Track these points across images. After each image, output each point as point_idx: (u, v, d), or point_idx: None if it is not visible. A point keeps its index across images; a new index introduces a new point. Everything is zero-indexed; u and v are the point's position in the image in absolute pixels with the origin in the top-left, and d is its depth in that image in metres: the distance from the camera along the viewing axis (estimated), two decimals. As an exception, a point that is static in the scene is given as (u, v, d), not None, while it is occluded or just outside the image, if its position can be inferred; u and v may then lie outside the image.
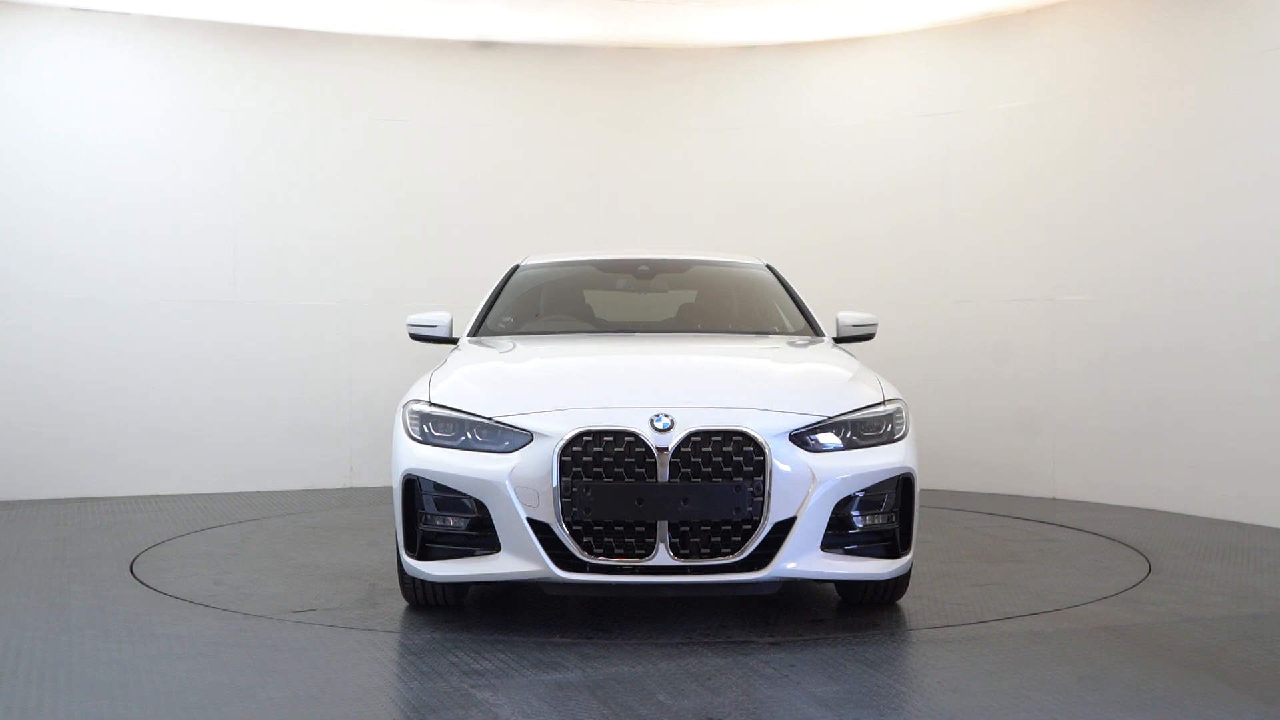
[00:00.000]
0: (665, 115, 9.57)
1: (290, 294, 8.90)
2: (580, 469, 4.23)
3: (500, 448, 4.36)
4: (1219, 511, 7.36)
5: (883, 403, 4.63)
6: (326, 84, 9.04)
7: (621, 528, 4.23)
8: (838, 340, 5.70)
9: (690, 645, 4.34)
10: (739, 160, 9.51)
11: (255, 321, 8.78)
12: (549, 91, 9.47)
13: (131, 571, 5.71)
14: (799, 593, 5.27)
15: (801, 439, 4.38)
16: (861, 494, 4.43)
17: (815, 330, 5.72)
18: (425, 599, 4.80)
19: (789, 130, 9.43)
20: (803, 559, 4.32)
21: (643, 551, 4.23)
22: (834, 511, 4.35)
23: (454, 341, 5.72)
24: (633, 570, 4.24)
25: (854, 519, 4.44)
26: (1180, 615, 4.86)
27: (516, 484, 4.28)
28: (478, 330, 5.80)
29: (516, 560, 4.30)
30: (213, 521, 7.27)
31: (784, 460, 4.30)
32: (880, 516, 4.50)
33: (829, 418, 4.45)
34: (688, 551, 4.24)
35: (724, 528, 4.25)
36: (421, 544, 4.48)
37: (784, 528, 4.29)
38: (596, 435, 4.25)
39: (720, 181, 9.54)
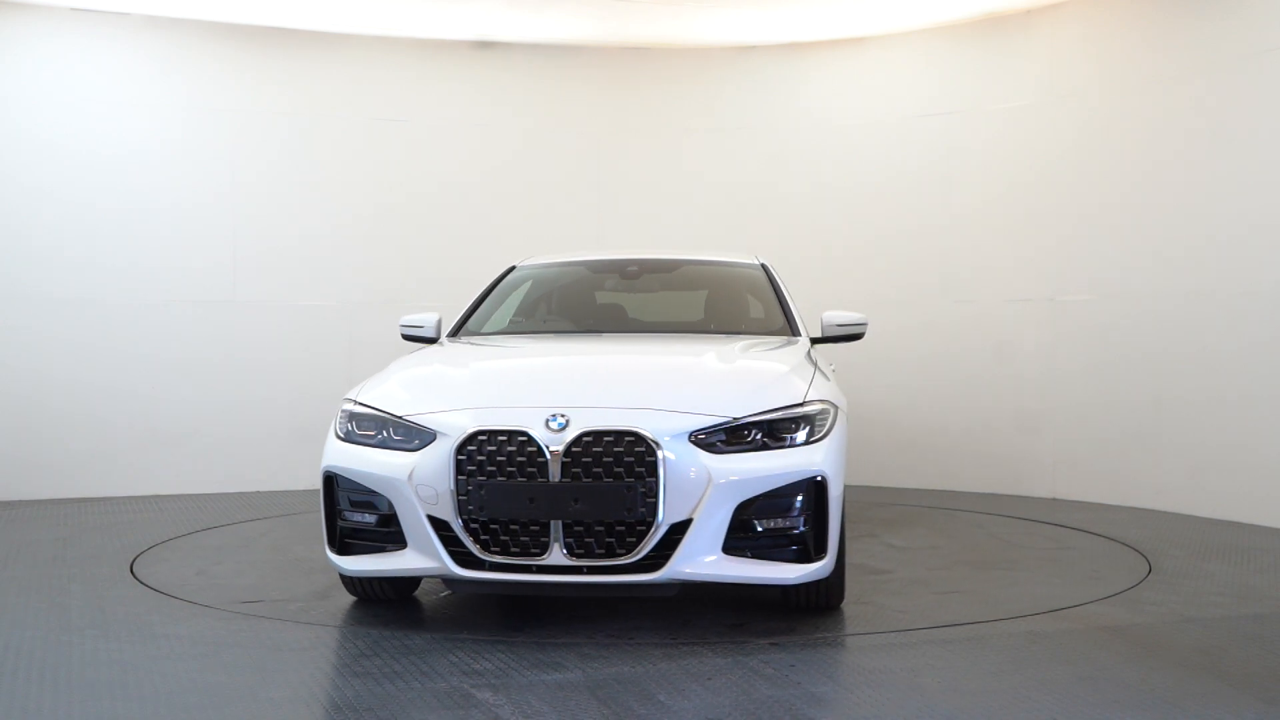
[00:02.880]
0: (665, 115, 9.57)
1: (290, 294, 8.90)
2: (475, 468, 4.28)
3: (409, 446, 4.44)
4: (1219, 511, 7.36)
5: (802, 404, 4.51)
6: (326, 84, 9.04)
7: (517, 526, 4.26)
8: (821, 340, 5.65)
9: (690, 645, 4.34)
10: (739, 160, 9.51)
11: (255, 321, 8.78)
12: (549, 91, 9.47)
13: (131, 571, 5.71)
14: (799, 593, 5.27)
15: (703, 440, 4.32)
16: (765, 497, 4.32)
17: (794, 330, 5.64)
18: (366, 593, 4.94)
19: (789, 130, 9.43)
20: (702, 561, 4.26)
21: (538, 551, 4.25)
22: (736, 514, 4.28)
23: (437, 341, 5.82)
24: (527, 569, 4.27)
25: (756, 521, 4.34)
26: (1180, 615, 4.86)
27: (418, 482, 4.35)
28: (458, 331, 5.93)
29: (420, 557, 4.38)
30: (213, 521, 7.27)
31: (679, 461, 4.25)
32: (788, 520, 4.36)
33: (734, 419, 4.38)
34: (582, 551, 4.24)
35: (618, 528, 4.23)
36: (340, 539, 4.60)
37: (681, 529, 4.24)
38: (491, 434, 4.29)
39: (720, 181, 9.53)
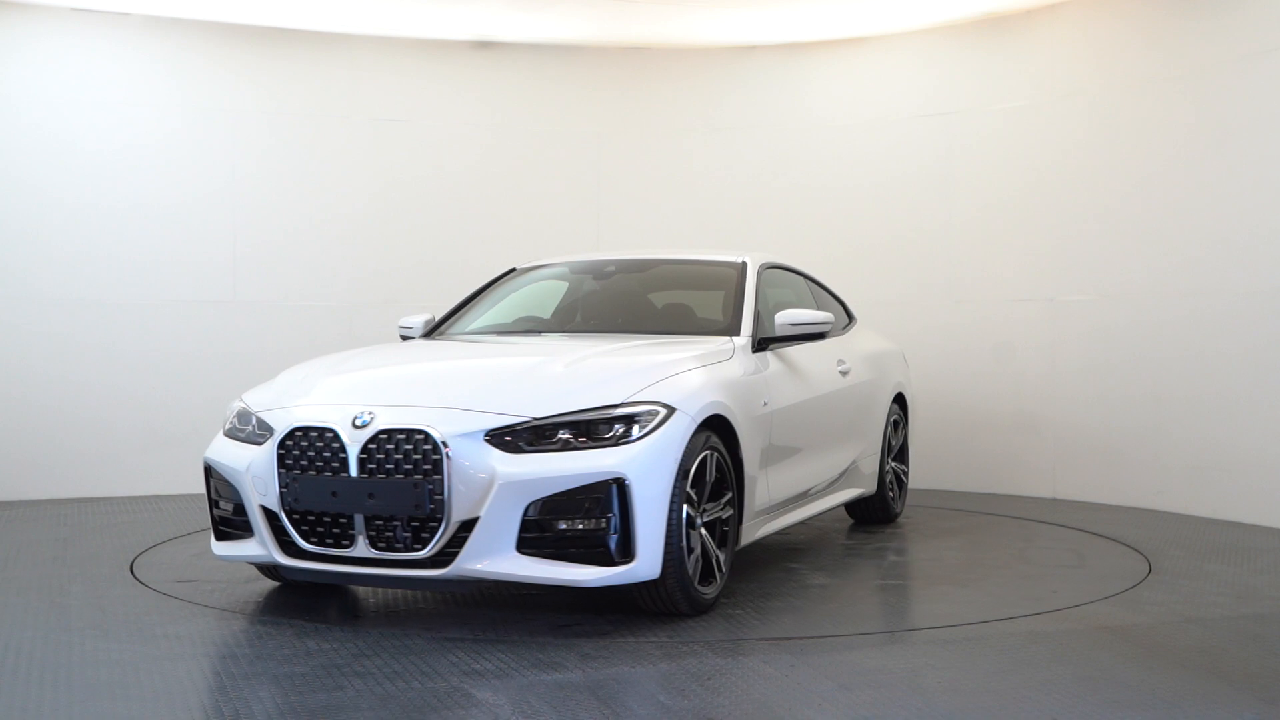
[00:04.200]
0: (665, 115, 9.57)
1: (290, 294, 8.90)
2: (291, 462, 4.55)
3: (256, 440, 4.76)
4: (1219, 511, 7.36)
5: (618, 405, 4.50)
6: (326, 84, 9.04)
7: (329, 519, 4.49)
8: (776, 340, 5.59)
9: (690, 645, 4.34)
10: (739, 160, 9.51)
11: (255, 321, 8.78)
12: (549, 91, 9.47)
13: (131, 571, 5.71)
14: (798, 593, 5.28)
15: (499, 439, 4.39)
16: (560, 497, 4.33)
17: (736, 330, 5.55)
18: (279, 578, 5.17)
19: (789, 131, 9.43)
20: (493, 559, 4.34)
21: (347, 543, 4.47)
22: (529, 513, 4.32)
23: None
24: (339, 560, 4.50)
25: (555, 522, 4.35)
26: (1180, 615, 4.86)
27: (253, 474, 4.66)
28: (431, 331, 6.15)
29: (258, 545, 4.70)
30: (213, 521, 7.26)
31: (468, 460, 4.34)
32: (586, 521, 4.35)
33: (534, 419, 4.43)
34: (383, 545, 4.42)
35: (413, 524, 4.38)
36: (215, 525, 4.97)
37: (469, 527, 4.33)
38: (305, 431, 4.55)
39: (720, 182, 9.53)
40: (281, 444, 4.58)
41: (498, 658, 4.16)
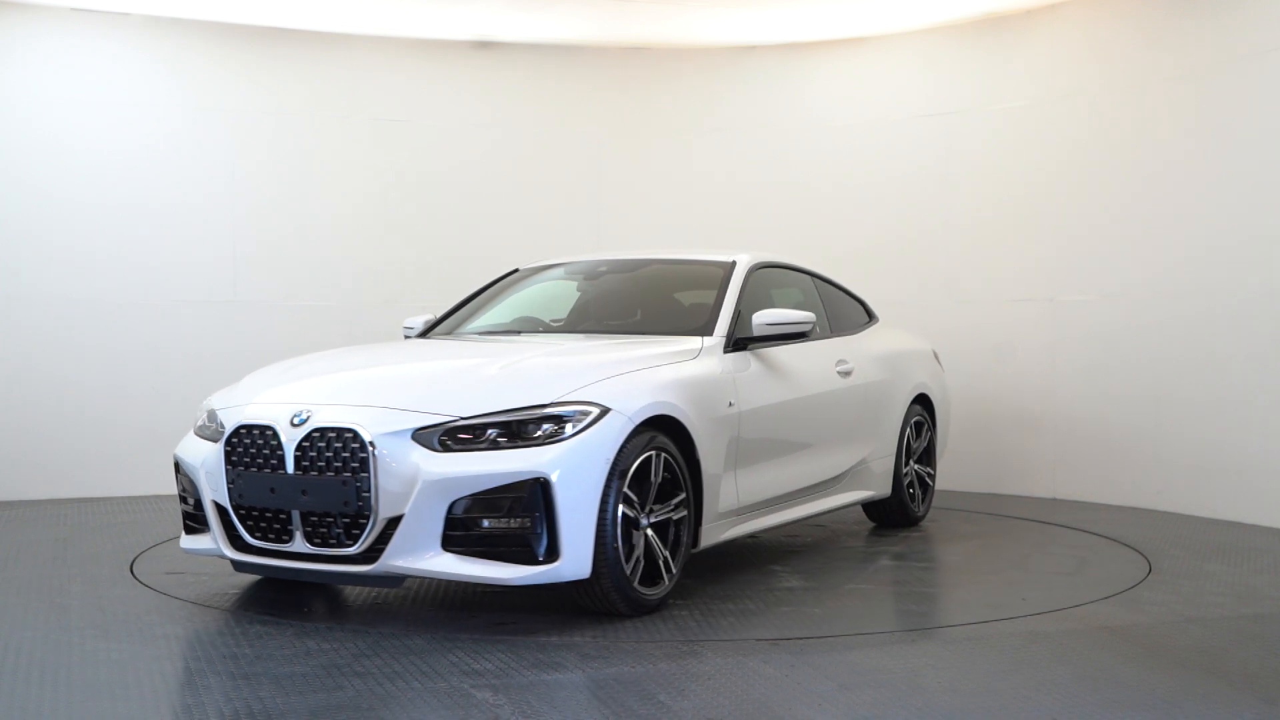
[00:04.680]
0: (665, 115, 9.57)
1: (290, 294, 8.90)
2: (237, 458, 4.70)
3: (216, 438, 4.89)
4: (1219, 511, 7.36)
5: (547, 405, 4.53)
6: (326, 84, 9.04)
7: (271, 514, 4.62)
8: (755, 341, 5.56)
9: (690, 645, 4.35)
10: (739, 160, 9.51)
11: (255, 321, 8.78)
12: (549, 91, 9.47)
13: (131, 571, 5.71)
14: (798, 593, 5.27)
15: (427, 438, 4.45)
16: (484, 495, 4.37)
17: (710, 331, 5.50)
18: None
19: (789, 130, 9.43)
20: (418, 556, 4.41)
21: (286, 538, 4.61)
22: (452, 511, 4.38)
23: None
24: (279, 555, 4.65)
25: (479, 520, 4.39)
26: (1180, 615, 4.86)
27: (207, 470, 4.83)
28: (426, 332, 6.25)
29: (212, 538, 4.86)
30: (213, 521, 7.26)
31: (394, 458, 4.42)
32: (507, 520, 4.38)
33: (463, 418, 4.48)
34: (319, 541, 4.55)
35: (344, 520, 4.48)
36: (184, 519, 5.13)
37: (398, 524, 4.42)
38: (249, 429, 4.69)
39: (721, 182, 9.53)
40: (228, 441, 4.74)
41: (498, 658, 4.16)
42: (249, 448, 4.67)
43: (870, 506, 6.94)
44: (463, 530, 4.40)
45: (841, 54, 9.28)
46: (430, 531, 4.39)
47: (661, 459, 4.75)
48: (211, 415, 5.02)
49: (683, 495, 4.87)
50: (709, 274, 5.96)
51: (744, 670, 4.01)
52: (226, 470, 4.71)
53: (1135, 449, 7.90)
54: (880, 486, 6.72)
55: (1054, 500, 8.26)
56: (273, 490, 4.58)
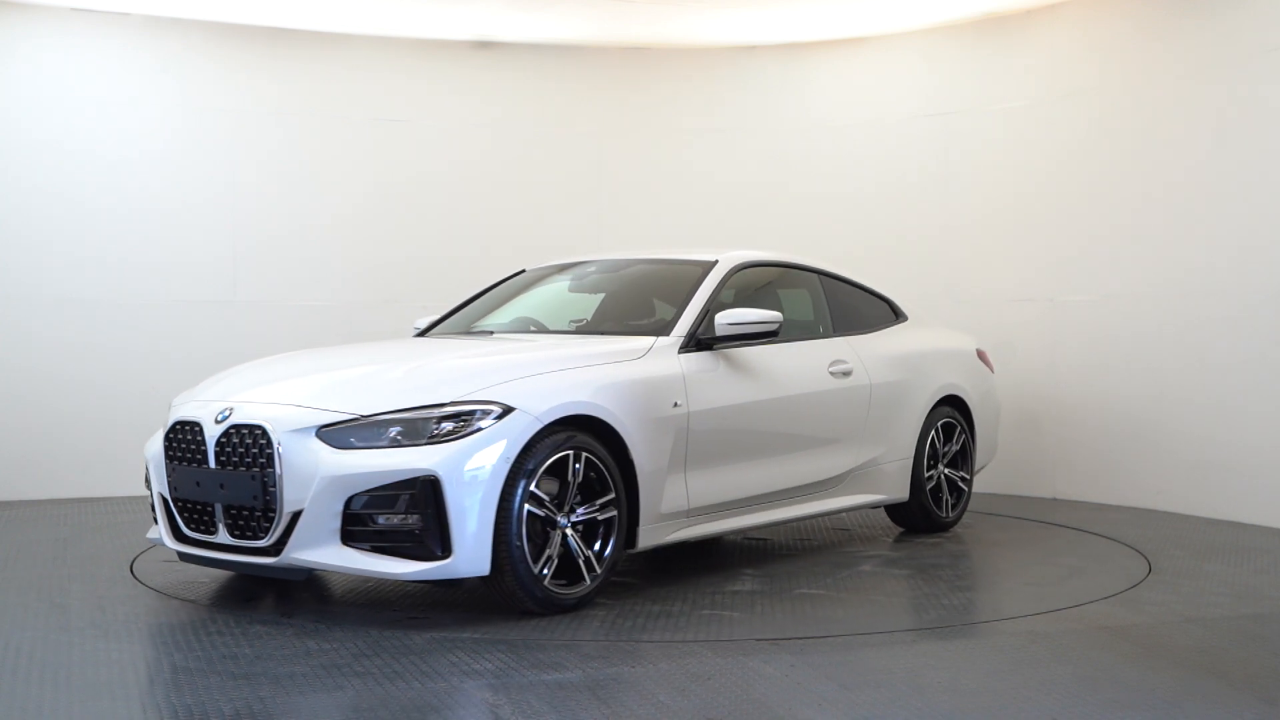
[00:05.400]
0: (665, 115, 9.57)
1: (290, 294, 8.90)
2: (174, 453, 4.95)
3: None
4: (1219, 511, 7.36)
5: (449, 404, 4.61)
6: (326, 84, 9.04)
7: (199, 506, 4.84)
8: (719, 341, 5.50)
9: (690, 645, 4.35)
10: (739, 160, 9.51)
11: (255, 321, 8.78)
12: (549, 91, 9.47)
13: (131, 571, 5.72)
14: (797, 593, 5.28)
15: (330, 435, 4.58)
16: (377, 492, 4.48)
17: (667, 331, 5.48)
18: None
19: (789, 131, 9.43)
20: (319, 550, 4.54)
21: (213, 530, 4.81)
22: (349, 506, 4.50)
23: None
24: (206, 545, 4.86)
25: (374, 516, 4.51)
26: (1180, 615, 4.86)
27: (154, 464, 5.09)
28: (426, 331, 6.35)
29: (161, 529, 5.10)
30: (213, 521, 7.26)
31: (297, 455, 4.57)
32: (402, 516, 4.49)
33: (364, 416, 4.61)
34: (238, 532, 4.72)
35: (257, 513, 4.65)
36: (151, 510, 5.25)
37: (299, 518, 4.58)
38: (183, 424, 4.94)
39: (720, 182, 9.53)
40: (166, 436, 5.01)
41: (498, 658, 4.16)
42: (182, 443, 4.92)
43: (892, 511, 6.83)
44: (360, 525, 4.53)
45: (841, 54, 9.28)
46: (329, 526, 4.52)
47: (582, 458, 4.78)
48: (170, 411, 5.25)
49: (611, 495, 4.89)
50: (687, 274, 5.92)
51: (744, 670, 4.01)
52: (165, 464, 4.98)
53: (1135, 449, 7.90)
54: (894, 490, 6.57)
55: (1054, 500, 8.26)
56: (198, 484, 4.81)
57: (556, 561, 4.72)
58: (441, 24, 8.92)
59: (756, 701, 3.68)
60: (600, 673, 3.98)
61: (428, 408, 4.61)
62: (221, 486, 4.72)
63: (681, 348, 5.42)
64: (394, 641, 4.38)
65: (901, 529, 6.94)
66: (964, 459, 7.04)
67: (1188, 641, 4.46)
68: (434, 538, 4.47)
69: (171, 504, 4.96)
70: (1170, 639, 4.49)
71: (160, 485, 5.04)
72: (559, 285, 6.47)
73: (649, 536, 5.12)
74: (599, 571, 4.87)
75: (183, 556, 5.02)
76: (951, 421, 6.92)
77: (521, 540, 4.56)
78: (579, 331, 5.85)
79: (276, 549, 4.61)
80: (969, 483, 7.08)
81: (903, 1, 8.46)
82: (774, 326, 5.53)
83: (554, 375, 4.88)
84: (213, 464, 4.76)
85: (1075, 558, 6.20)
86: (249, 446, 4.67)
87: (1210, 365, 7.45)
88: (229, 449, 4.72)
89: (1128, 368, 7.95)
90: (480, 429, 4.55)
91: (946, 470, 6.90)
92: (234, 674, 3.97)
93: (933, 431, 6.75)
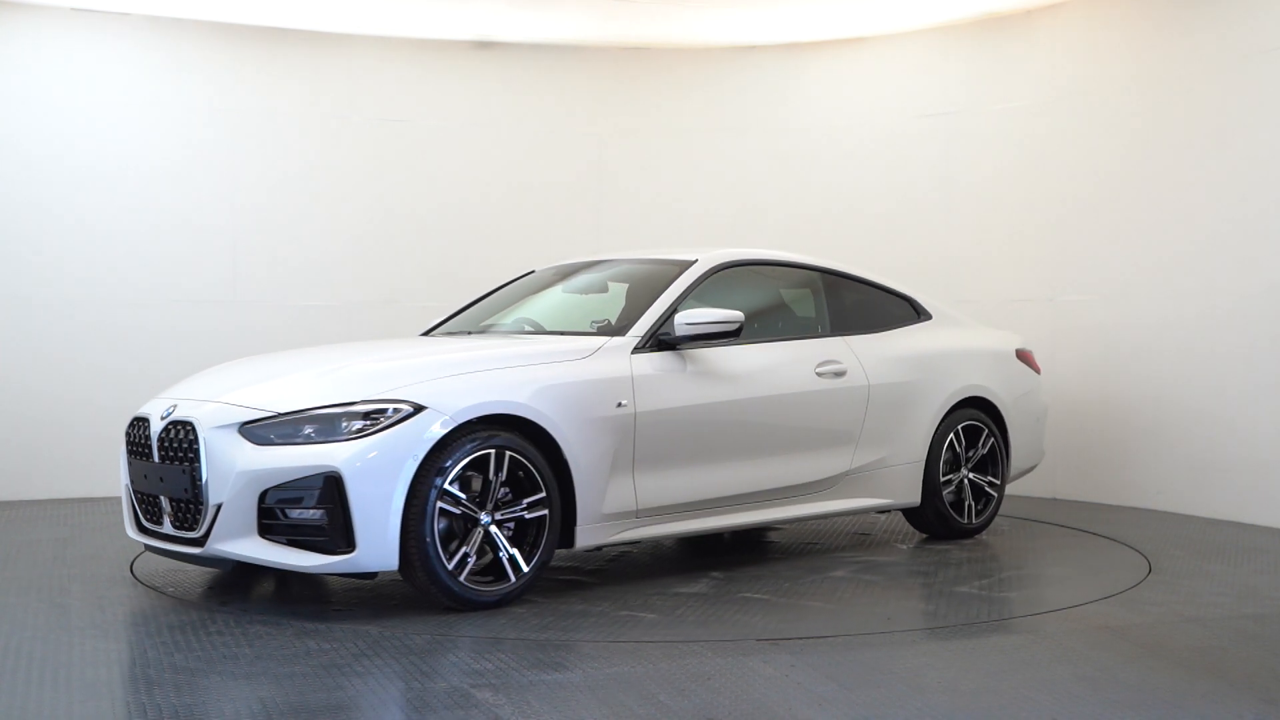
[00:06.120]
0: (665, 115, 9.57)
1: (290, 294, 8.90)
2: (131, 447, 5.24)
3: None
4: (1219, 511, 7.36)
5: (359, 402, 4.72)
6: (326, 84, 9.04)
7: (150, 498, 5.10)
8: (679, 341, 5.46)
9: (690, 645, 4.35)
10: (739, 160, 9.51)
11: (255, 321, 8.78)
12: (549, 92, 9.47)
13: (131, 571, 5.72)
14: (797, 592, 5.28)
15: (251, 432, 4.76)
16: (286, 487, 4.65)
17: (625, 330, 5.47)
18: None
19: (789, 130, 9.42)
20: (237, 541, 4.73)
21: (160, 521, 5.06)
22: (264, 500, 4.67)
23: None
24: (156, 535, 5.10)
25: (285, 510, 4.68)
26: (1180, 615, 4.86)
27: (124, 459, 5.33)
28: (431, 330, 6.40)
29: (126, 520, 5.35)
30: (213, 521, 7.26)
31: (219, 450, 4.76)
32: (309, 510, 4.64)
33: (280, 414, 4.77)
34: (178, 524, 4.95)
35: (191, 506, 4.86)
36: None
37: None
38: (138, 420, 5.23)
39: (720, 181, 9.53)
40: (127, 431, 5.31)
41: (498, 658, 4.16)
42: (136, 438, 5.21)
43: (909, 516, 6.63)
44: (273, 519, 4.70)
45: (841, 54, 9.28)
46: (246, 519, 4.69)
47: (505, 457, 4.84)
48: None
49: (541, 495, 4.93)
50: (663, 274, 5.89)
51: (744, 670, 4.01)
52: (126, 458, 5.29)
53: (1135, 449, 7.90)
54: (904, 495, 6.37)
55: (1054, 500, 8.26)
56: (146, 477, 5.09)
57: (475, 558, 4.81)
58: (442, 24, 8.92)
59: (756, 701, 3.68)
60: (600, 673, 3.98)
61: (339, 406, 4.73)
62: (161, 480, 4.97)
63: (638, 348, 5.41)
64: (394, 641, 4.38)
65: (924, 535, 6.71)
66: (993, 463, 6.76)
67: (1188, 641, 4.46)
68: (339, 532, 4.60)
69: (133, 496, 5.24)
70: (1170, 639, 4.49)
71: (124, 478, 5.33)
72: (555, 286, 6.48)
73: (589, 536, 5.15)
74: (526, 570, 4.91)
75: (148, 547, 5.25)
76: (977, 424, 6.67)
77: (433, 536, 4.67)
78: (535, 332, 5.88)
79: (204, 540, 4.79)
80: (999, 488, 6.78)
81: (903, 1, 8.46)
82: (734, 326, 5.46)
83: (478, 375, 4.96)
84: (156, 458, 5.00)
85: (1075, 558, 6.20)
86: (181, 442, 4.89)
87: (1210, 365, 7.45)
88: (167, 444, 4.95)
89: (1128, 368, 7.95)
90: (387, 427, 4.66)
91: (971, 475, 6.65)
92: (234, 674, 3.97)
93: (951, 434, 6.53)
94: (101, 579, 5.55)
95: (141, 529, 5.23)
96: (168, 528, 5.00)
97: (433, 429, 4.69)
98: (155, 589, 5.34)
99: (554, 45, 9.38)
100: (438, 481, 4.67)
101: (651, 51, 9.52)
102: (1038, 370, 7.21)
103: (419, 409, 4.71)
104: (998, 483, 6.78)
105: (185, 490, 4.83)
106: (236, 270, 8.78)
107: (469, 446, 4.75)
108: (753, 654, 4.22)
